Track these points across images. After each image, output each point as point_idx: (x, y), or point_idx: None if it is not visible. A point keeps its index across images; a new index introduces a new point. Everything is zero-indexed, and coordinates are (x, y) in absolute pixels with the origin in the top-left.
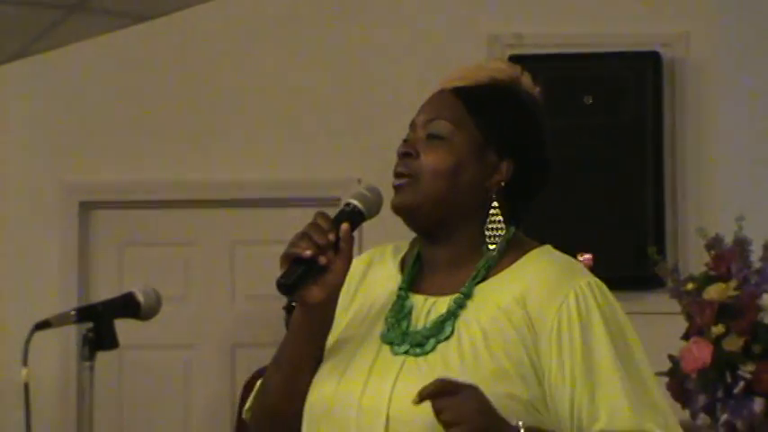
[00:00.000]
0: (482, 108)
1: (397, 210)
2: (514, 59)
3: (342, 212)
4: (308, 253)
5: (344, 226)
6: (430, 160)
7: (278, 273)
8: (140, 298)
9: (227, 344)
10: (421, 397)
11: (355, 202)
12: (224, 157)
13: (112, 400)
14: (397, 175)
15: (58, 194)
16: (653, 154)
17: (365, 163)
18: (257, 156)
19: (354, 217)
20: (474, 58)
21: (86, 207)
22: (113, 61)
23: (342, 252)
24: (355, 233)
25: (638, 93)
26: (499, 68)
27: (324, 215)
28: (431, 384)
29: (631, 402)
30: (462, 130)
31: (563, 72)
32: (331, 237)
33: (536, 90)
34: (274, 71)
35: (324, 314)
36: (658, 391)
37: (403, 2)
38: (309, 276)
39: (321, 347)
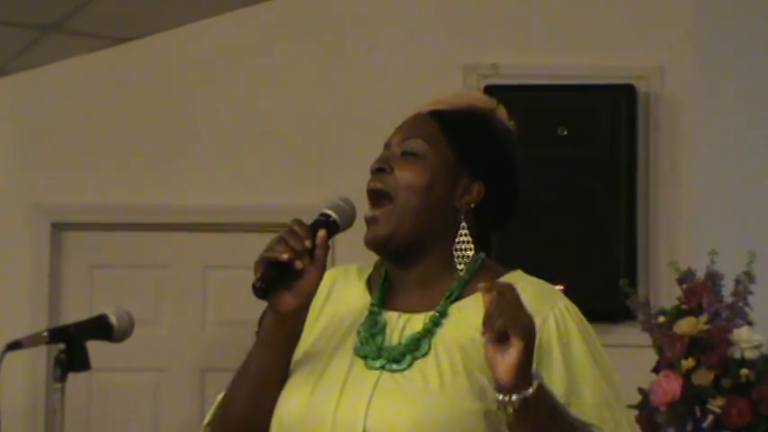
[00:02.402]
0: (457, 129)
1: (371, 243)
2: (490, 89)
3: (317, 222)
4: (285, 257)
5: (321, 233)
6: (405, 176)
7: (249, 297)
8: (113, 320)
9: (197, 368)
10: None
11: (331, 213)
12: (197, 181)
13: (81, 423)
14: (372, 192)
15: (30, 215)
16: (626, 186)
17: (339, 189)
18: (231, 180)
19: (330, 227)
20: (449, 87)
21: (58, 228)
22: (87, 83)
23: (317, 260)
24: (328, 246)
25: (613, 125)
26: (476, 97)
27: (300, 222)
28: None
29: (601, 408)
30: (436, 149)
31: (538, 103)
32: (307, 243)
33: (511, 123)
34: (248, 97)
35: (295, 323)
36: (628, 412)
37: (378, 30)
38: (284, 281)
39: (289, 358)
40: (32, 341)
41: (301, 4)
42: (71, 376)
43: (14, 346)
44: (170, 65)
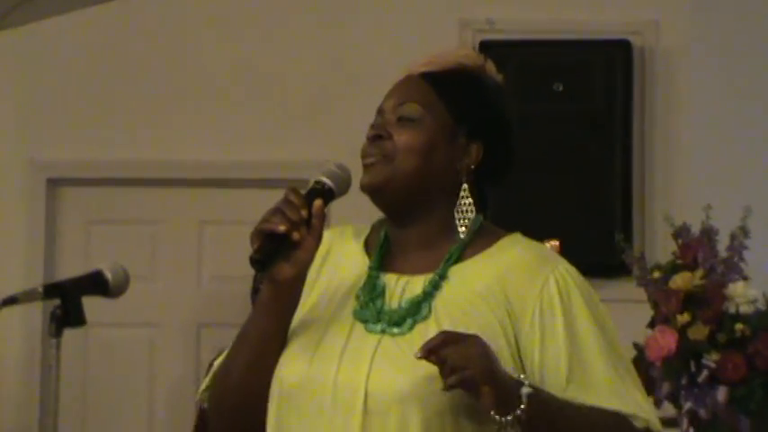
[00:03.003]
0: (451, 91)
1: (367, 188)
2: (486, 45)
3: (312, 190)
4: (282, 228)
5: (318, 202)
6: (404, 140)
7: (245, 253)
8: (108, 276)
9: (192, 323)
10: (426, 350)
11: (326, 180)
12: (193, 137)
13: (77, 378)
14: (368, 156)
15: (26, 171)
16: (622, 142)
17: (334, 145)
18: (227, 136)
19: (325, 194)
20: (445, 42)
21: (54, 184)
22: (84, 38)
23: (313, 229)
24: (325, 214)
25: (608, 80)
26: (466, 55)
27: (296, 191)
28: (434, 337)
29: (611, 382)
30: (433, 113)
31: (534, 58)
32: (304, 213)
33: (500, 77)
34: (244, 52)
35: (292, 292)
36: (634, 372)
37: None
38: (282, 252)
39: (288, 325)
40: (28, 297)
41: None
42: (67, 331)
43: (10, 301)
44: (168, 19)
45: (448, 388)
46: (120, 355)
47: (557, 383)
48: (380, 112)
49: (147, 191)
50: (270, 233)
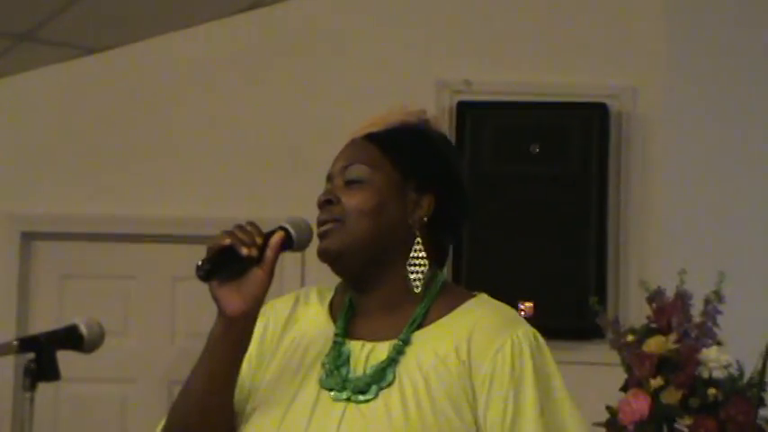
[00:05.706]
0: (396, 147)
1: (324, 254)
2: (463, 106)
3: (273, 231)
4: (228, 241)
5: (277, 235)
6: (353, 202)
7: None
8: (84, 330)
9: (165, 380)
10: None
11: (288, 227)
12: (167, 193)
13: None
14: (321, 222)
15: (0, 225)
16: (597, 205)
17: (308, 203)
18: (201, 192)
19: (284, 239)
20: (422, 103)
21: (28, 238)
22: (59, 93)
23: (265, 262)
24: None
25: (585, 143)
26: (407, 112)
27: (253, 223)
28: None
29: None
30: (380, 171)
31: (511, 120)
32: (258, 239)
33: (444, 128)
34: (218, 110)
35: (243, 329)
36: None
37: (350, 45)
38: (229, 267)
39: (237, 366)
40: (2, 350)
41: (273, 17)
42: (40, 386)
43: None
44: (142, 76)
45: None
46: (92, 411)
47: None
48: (329, 177)
49: (121, 246)
50: (218, 247)
